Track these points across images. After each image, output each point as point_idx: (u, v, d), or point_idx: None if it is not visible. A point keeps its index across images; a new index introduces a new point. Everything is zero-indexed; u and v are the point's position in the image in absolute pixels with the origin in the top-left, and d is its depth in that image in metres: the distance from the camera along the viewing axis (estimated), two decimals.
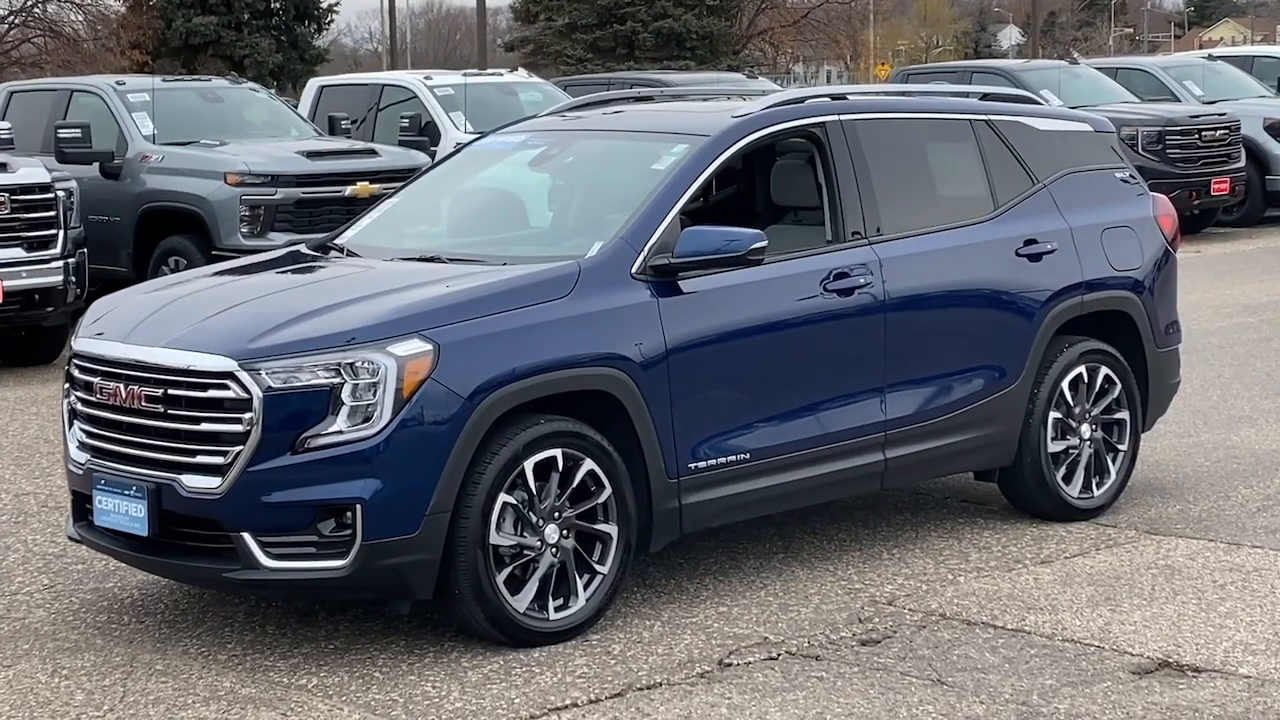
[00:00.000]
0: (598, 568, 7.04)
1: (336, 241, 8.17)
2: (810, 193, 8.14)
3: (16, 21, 50.90)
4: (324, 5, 54.17)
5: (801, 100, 8.15)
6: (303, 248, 8.20)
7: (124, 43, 50.26)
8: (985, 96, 9.11)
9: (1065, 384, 8.68)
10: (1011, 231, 8.54)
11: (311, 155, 16.48)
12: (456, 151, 8.70)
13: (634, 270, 7.20)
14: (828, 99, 8.31)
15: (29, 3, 49.80)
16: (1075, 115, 9.32)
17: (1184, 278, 10.56)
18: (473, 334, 6.72)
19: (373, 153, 17.13)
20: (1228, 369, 13.25)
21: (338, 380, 6.51)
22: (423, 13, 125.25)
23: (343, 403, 6.51)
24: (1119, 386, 8.89)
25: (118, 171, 16.65)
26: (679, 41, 57.90)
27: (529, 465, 6.82)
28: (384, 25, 56.64)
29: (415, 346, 6.58)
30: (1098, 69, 26.08)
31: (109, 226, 16.56)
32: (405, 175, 15.79)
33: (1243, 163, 23.19)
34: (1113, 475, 8.90)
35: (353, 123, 18.84)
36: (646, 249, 7.25)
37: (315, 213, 16.05)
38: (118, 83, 17.47)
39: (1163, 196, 9.44)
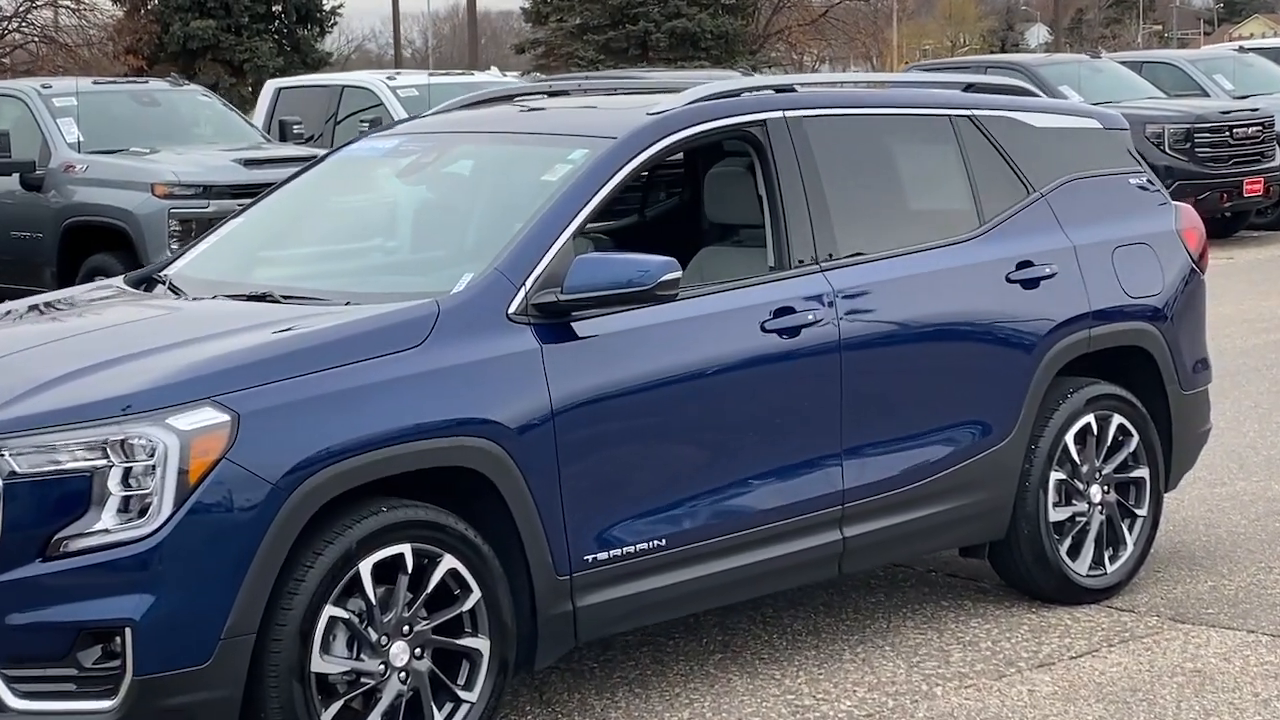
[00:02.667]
0: (463, 695, 5.49)
1: (165, 272, 6.59)
2: (748, 209, 6.58)
3: (10, 28, 49.62)
4: (327, 8, 52.69)
5: (736, 93, 6.55)
6: (122, 280, 6.62)
7: (120, 48, 48.92)
8: (970, 87, 7.48)
9: (1070, 437, 7.08)
10: (1001, 252, 6.95)
11: (250, 163, 14.94)
12: (321, 160, 7.08)
13: (512, 310, 5.64)
14: (770, 91, 6.72)
15: (22, 7, 48.47)
16: (1081, 109, 7.71)
17: (1215, 287, 8.98)
18: (287, 398, 5.16)
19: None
20: (1266, 396, 11.62)
21: (103, 463, 4.97)
22: (447, 17, 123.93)
23: (109, 492, 4.96)
24: (1136, 439, 7.29)
25: (39, 183, 15.22)
26: (694, 42, 56.36)
27: (366, 567, 5.26)
28: (395, 29, 55.18)
29: (206, 417, 5.03)
30: (1122, 63, 24.44)
31: (30, 243, 15.16)
32: None
33: (1277, 162, 21.45)
34: (1129, 547, 7.30)
35: (310, 138, 17.29)
36: (529, 283, 5.69)
37: None
38: (43, 85, 16.00)
39: (1187, 206, 7.82)
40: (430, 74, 19.02)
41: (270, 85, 19.98)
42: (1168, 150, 20.55)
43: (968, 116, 7.12)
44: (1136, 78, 23.22)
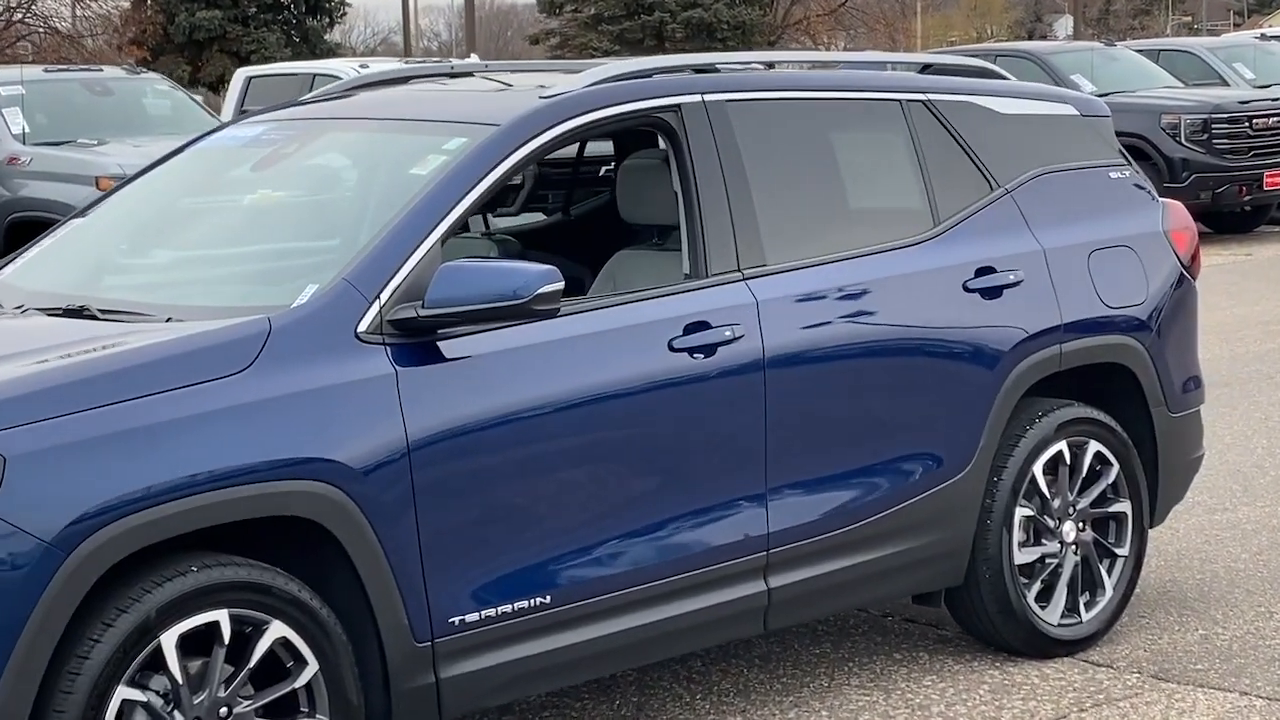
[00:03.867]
0: None
1: None
2: (665, 208, 5.67)
3: (15, 19, 48.95)
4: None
5: (647, 73, 5.66)
6: None
7: (125, 39, 48.24)
8: (927, 68, 6.57)
9: (1038, 468, 6.19)
10: (958, 257, 6.05)
11: None
12: (177, 151, 6.18)
13: (362, 328, 4.77)
14: (689, 71, 5.82)
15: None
16: (1054, 94, 6.79)
17: (1232, 285, 8.08)
18: (70, 437, 4.29)
19: None
20: (1278, 409, 10.66)
21: None
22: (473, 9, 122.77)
23: None
24: (1116, 468, 6.39)
25: None
26: (709, 32, 55.51)
27: (170, 638, 4.41)
28: (405, 18, 54.35)
29: None
30: (1139, 51, 23.45)
31: None
32: None
33: None
34: (1108, 591, 6.40)
35: None
36: (385, 295, 4.82)
37: None
38: None
39: (1176, 204, 6.90)
40: (404, 60, 18.14)
41: (240, 74, 19.13)
42: (1184, 141, 19.60)
43: (922, 101, 6.22)
44: (1153, 66, 22.25)
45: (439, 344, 4.91)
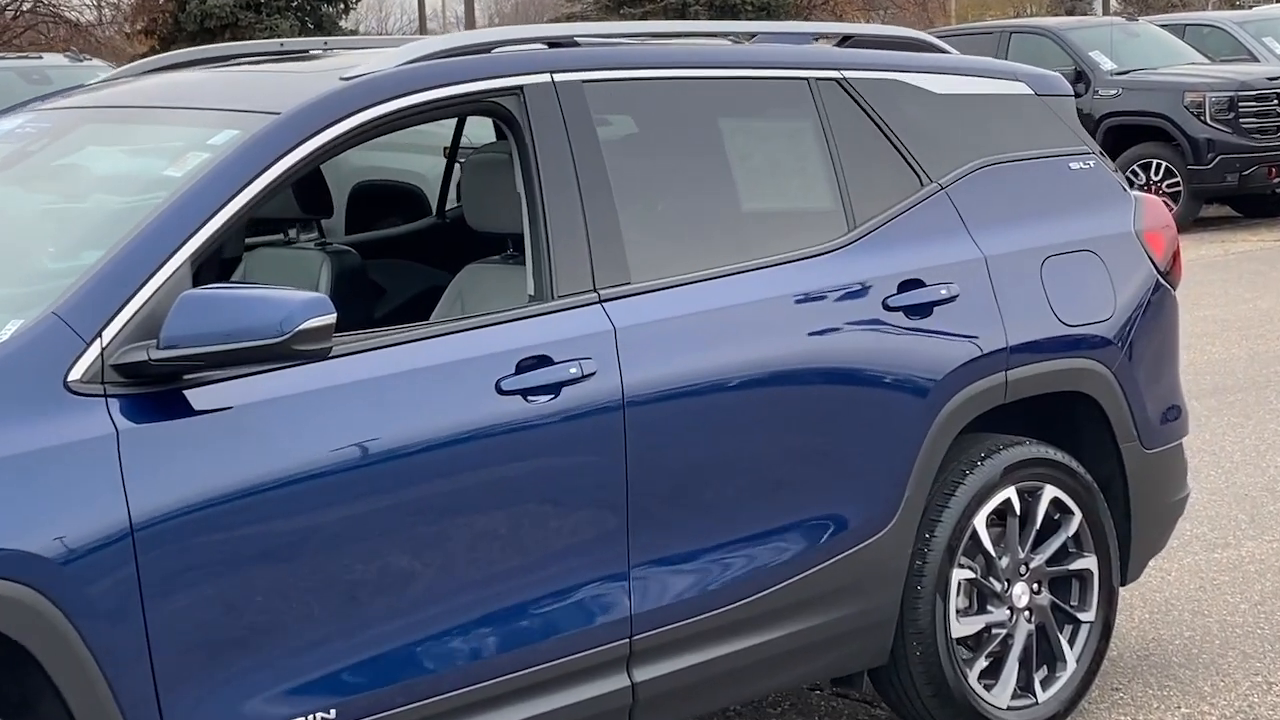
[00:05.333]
0: None
1: None
2: (508, 213, 4.60)
3: (25, 8, 48.20)
4: None
5: (485, 47, 4.58)
6: None
7: (136, 28, 47.39)
8: (846, 40, 5.46)
9: (980, 520, 5.11)
10: (877, 268, 4.96)
11: None
12: None
13: (75, 375, 3.75)
14: (540, 46, 4.73)
15: None
16: (1003, 69, 5.68)
17: (1258, 275, 6.99)
18: None
19: None
20: None
21: None
22: None
23: None
24: (1078, 517, 5.30)
25: None
26: (734, 14, 54.24)
27: None
28: (420, 2, 53.33)
29: None
30: (1163, 26, 22.22)
31: None
32: None
33: None
34: (1070, 664, 5.32)
35: None
36: (108, 334, 3.77)
37: None
38: None
39: (1153, 199, 5.80)
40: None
41: None
42: (1209, 121, 18.42)
43: (835, 80, 5.13)
44: (1177, 42, 21.04)
45: (186, 393, 3.86)
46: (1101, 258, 5.44)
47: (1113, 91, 18.84)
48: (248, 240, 5.65)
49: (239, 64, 5.16)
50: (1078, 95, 18.95)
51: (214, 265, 5.67)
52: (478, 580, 4.23)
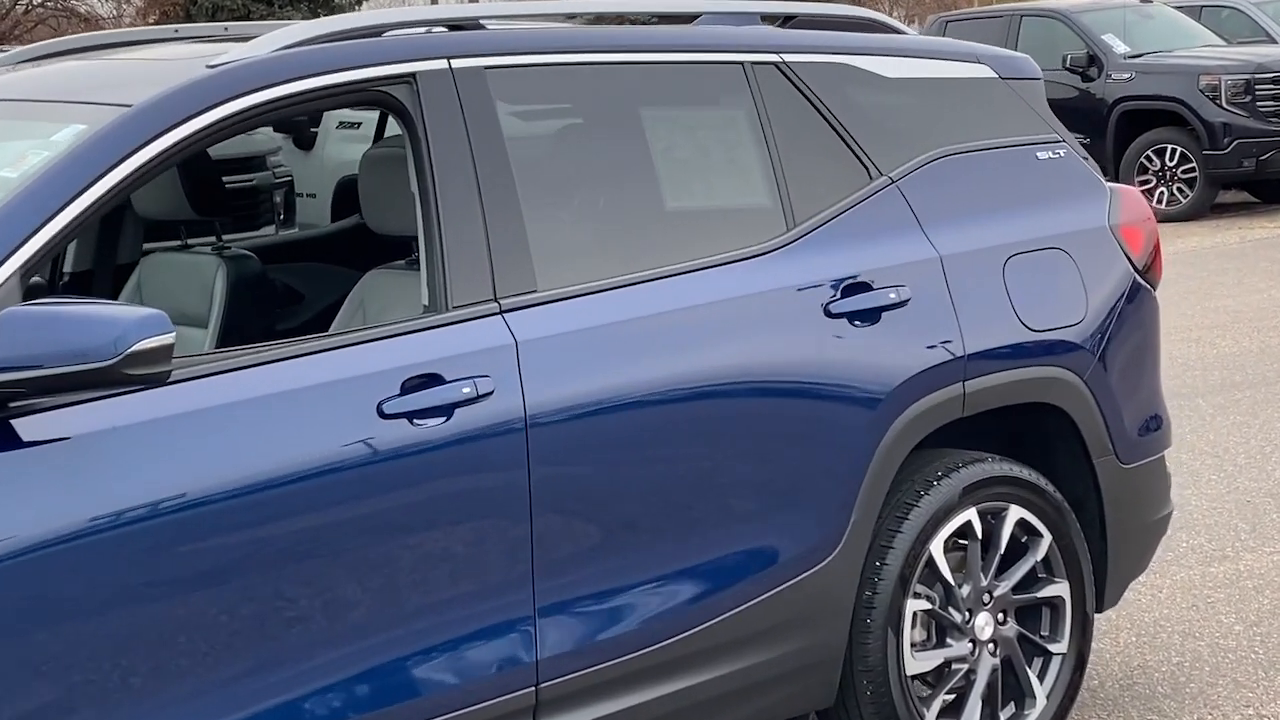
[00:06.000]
0: None
1: None
2: (399, 216, 4.15)
3: (35, 2, 47.95)
4: None
5: (375, 30, 4.13)
6: None
7: (149, 22, 47.18)
8: (787, 20, 4.98)
9: (937, 546, 4.65)
10: (818, 270, 4.51)
11: None
12: None
13: None
14: (440, 29, 4.27)
15: None
16: (962, 50, 5.21)
17: (1274, 265, 6.64)
18: None
19: None
20: None
21: None
22: None
23: None
24: (1047, 540, 4.84)
25: None
26: None
27: None
28: None
29: None
30: (1179, 8, 21.65)
31: None
32: (233, 164, 11.82)
33: None
34: (1039, 700, 4.88)
35: None
36: None
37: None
38: None
39: (1130, 190, 5.33)
40: None
41: None
42: (1224, 104, 17.87)
43: (774, 64, 4.66)
44: (1193, 24, 20.48)
45: (14, 423, 3.40)
46: (1072, 255, 4.98)
47: (1126, 75, 18.33)
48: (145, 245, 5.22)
49: (112, 52, 4.70)
50: (1090, 79, 18.65)
51: (108, 273, 5.26)
52: (358, 630, 3.79)
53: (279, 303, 5.45)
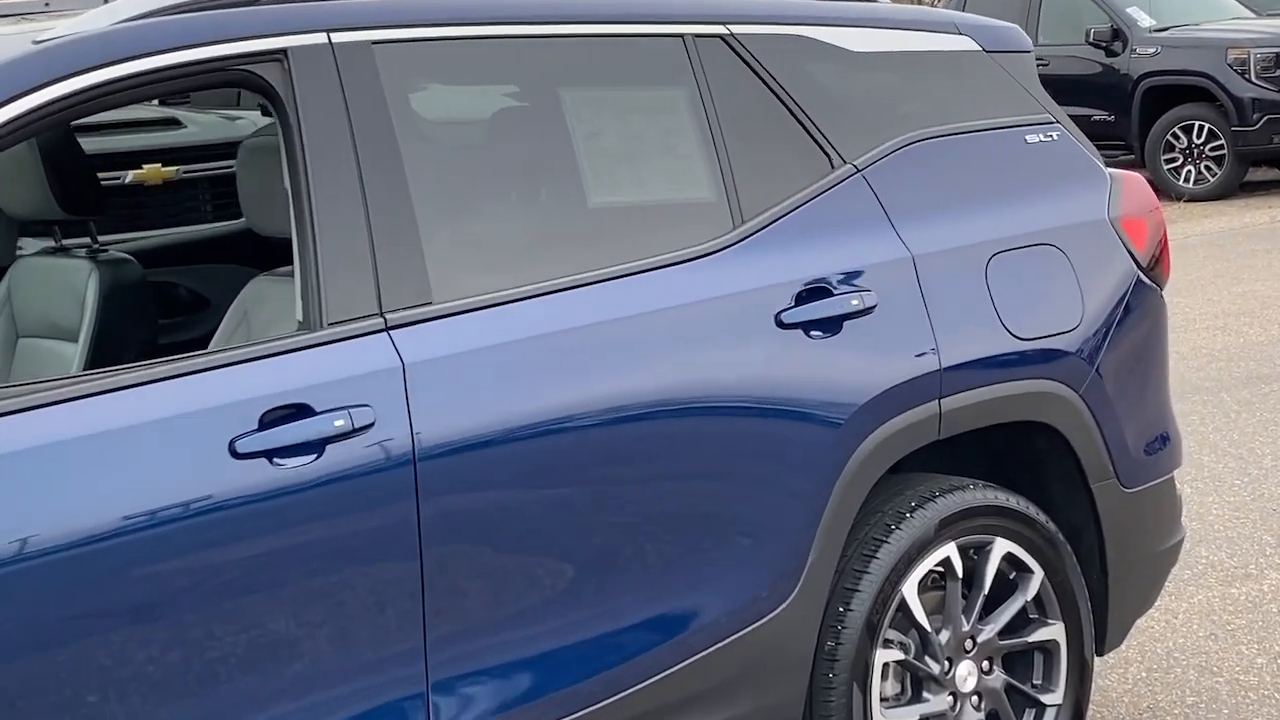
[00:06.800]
0: None
1: None
2: (277, 215, 3.56)
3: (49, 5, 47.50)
4: None
5: (238, 0, 3.53)
6: None
7: None
8: None
9: (910, 587, 4.06)
10: (769, 274, 3.92)
11: (81, 130, 11.89)
12: None
13: None
14: None
15: None
16: (941, 20, 4.58)
17: None
18: None
19: (174, 123, 12.48)
20: None
21: None
22: None
23: None
24: (1038, 576, 4.24)
25: None
26: None
27: None
28: None
29: None
30: None
31: None
32: (216, 152, 11.20)
33: None
34: None
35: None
36: None
37: None
38: None
39: (1134, 176, 4.70)
40: None
41: None
42: (1253, 79, 17.18)
43: (720, 36, 4.05)
44: None
45: None
46: (1065, 252, 4.37)
47: (1151, 50, 17.68)
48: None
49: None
50: (1114, 54, 17.96)
51: None
52: (199, 701, 3.19)
53: (182, 310, 4.88)
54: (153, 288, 4.91)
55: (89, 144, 11.06)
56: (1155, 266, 4.56)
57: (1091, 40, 17.74)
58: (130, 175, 10.80)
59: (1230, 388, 8.95)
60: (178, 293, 4.95)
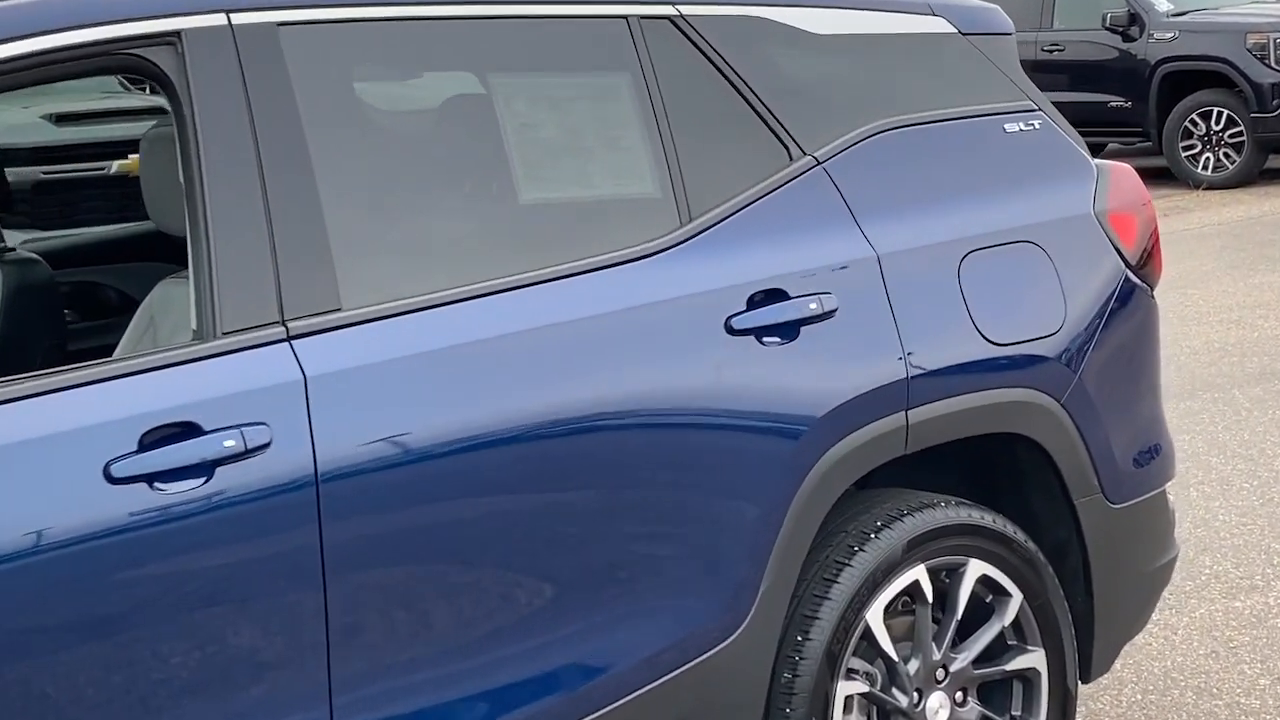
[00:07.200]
0: None
1: None
2: (175, 211, 3.23)
3: None
4: None
5: None
6: None
7: None
8: None
9: (874, 614, 3.75)
10: (719, 275, 3.62)
11: (64, 119, 11.62)
12: None
13: None
14: None
15: None
16: (911, 1, 4.22)
17: None
18: None
19: (163, 112, 12.16)
20: None
21: None
22: None
23: None
24: (1016, 600, 3.94)
25: None
26: None
27: None
28: None
29: None
30: None
31: None
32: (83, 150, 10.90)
33: None
34: None
35: None
36: None
37: (67, 199, 11.18)
38: None
39: (1122, 168, 4.38)
40: None
41: None
42: (1273, 64, 16.83)
43: (668, 18, 3.73)
44: None
45: None
46: (1046, 250, 4.05)
47: (1169, 34, 17.32)
48: None
49: None
50: (1131, 39, 17.58)
51: None
52: None
53: (111, 312, 4.58)
54: (80, 288, 4.61)
55: (73, 133, 10.73)
56: (1145, 265, 4.24)
57: (1108, 25, 17.40)
58: (116, 166, 10.51)
59: (1242, 384, 8.62)
60: (105, 294, 4.64)
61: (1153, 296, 4.27)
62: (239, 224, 3.15)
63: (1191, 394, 8.48)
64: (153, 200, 3.52)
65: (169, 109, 3.24)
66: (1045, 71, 17.01)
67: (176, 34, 3.19)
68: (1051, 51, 17.52)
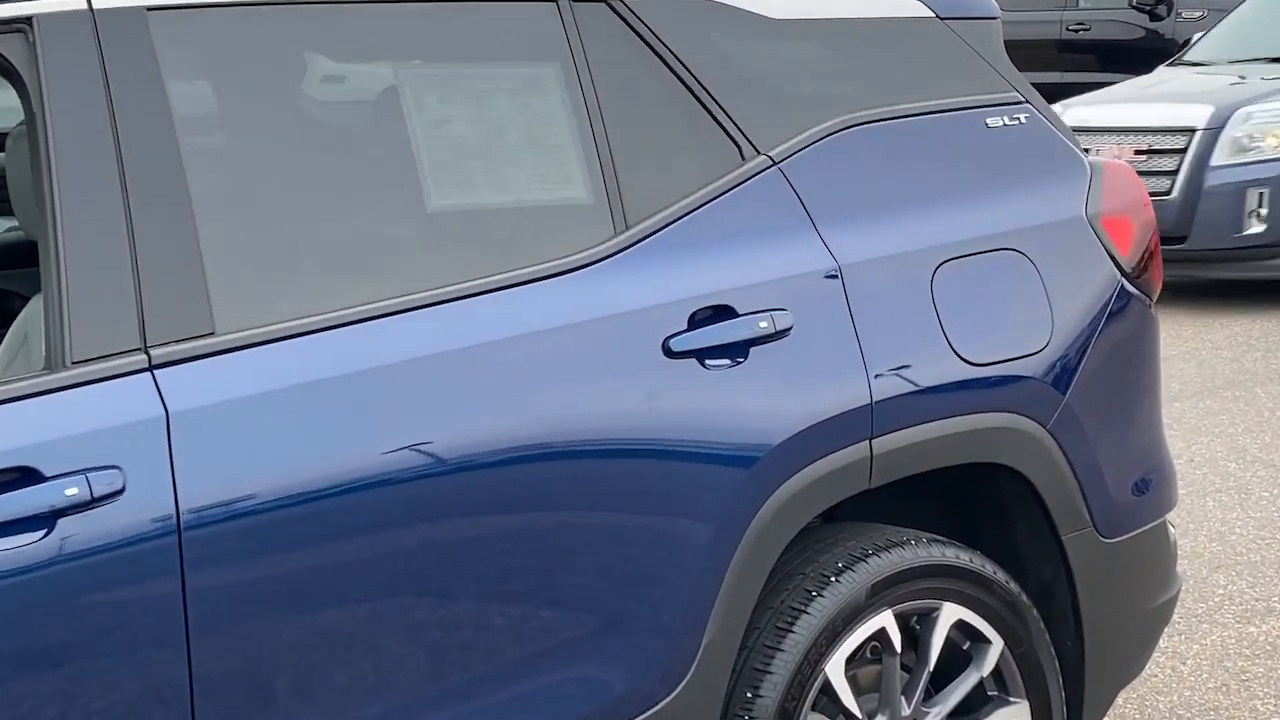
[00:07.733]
0: None
1: None
2: (35, 217, 2.85)
3: None
4: None
5: None
6: None
7: None
8: None
9: (834, 666, 3.35)
10: (656, 290, 3.23)
11: None
12: None
13: None
14: None
15: None
16: None
17: None
18: None
19: None
20: None
21: None
22: None
23: None
24: (997, 646, 3.54)
25: None
26: None
27: None
28: None
29: None
30: None
31: None
32: None
33: None
34: None
35: None
36: None
37: None
38: None
39: (1119, 166, 3.96)
40: None
41: None
42: None
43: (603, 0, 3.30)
44: None
45: None
46: (1031, 258, 3.64)
47: (1198, 13, 16.89)
48: None
49: None
50: (1159, 18, 17.12)
51: None
52: None
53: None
54: None
55: None
56: (1143, 273, 3.83)
57: (1135, 4, 17.00)
58: None
59: (1265, 381, 8.21)
60: (12, 304, 4.27)
61: (1151, 308, 3.86)
62: (95, 237, 2.77)
63: (1211, 392, 8.06)
64: (18, 204, 3.14)
65: (24, 108, 2.84)
66: (1070, 51, 16.58)
67: (28, 20, 2.82)
68: (1077, 31, 17.10)
